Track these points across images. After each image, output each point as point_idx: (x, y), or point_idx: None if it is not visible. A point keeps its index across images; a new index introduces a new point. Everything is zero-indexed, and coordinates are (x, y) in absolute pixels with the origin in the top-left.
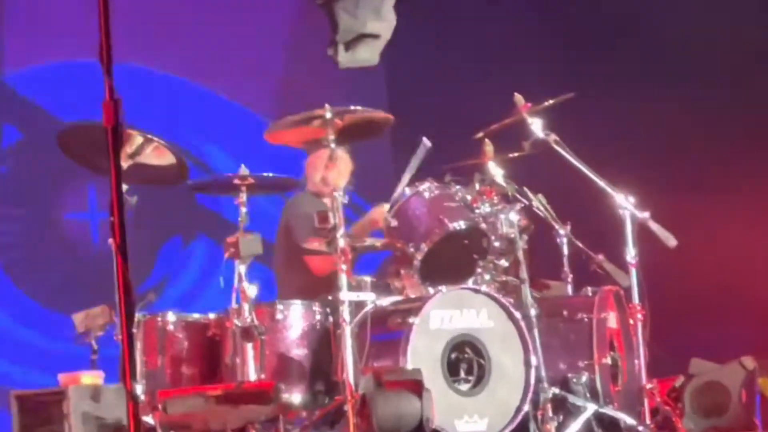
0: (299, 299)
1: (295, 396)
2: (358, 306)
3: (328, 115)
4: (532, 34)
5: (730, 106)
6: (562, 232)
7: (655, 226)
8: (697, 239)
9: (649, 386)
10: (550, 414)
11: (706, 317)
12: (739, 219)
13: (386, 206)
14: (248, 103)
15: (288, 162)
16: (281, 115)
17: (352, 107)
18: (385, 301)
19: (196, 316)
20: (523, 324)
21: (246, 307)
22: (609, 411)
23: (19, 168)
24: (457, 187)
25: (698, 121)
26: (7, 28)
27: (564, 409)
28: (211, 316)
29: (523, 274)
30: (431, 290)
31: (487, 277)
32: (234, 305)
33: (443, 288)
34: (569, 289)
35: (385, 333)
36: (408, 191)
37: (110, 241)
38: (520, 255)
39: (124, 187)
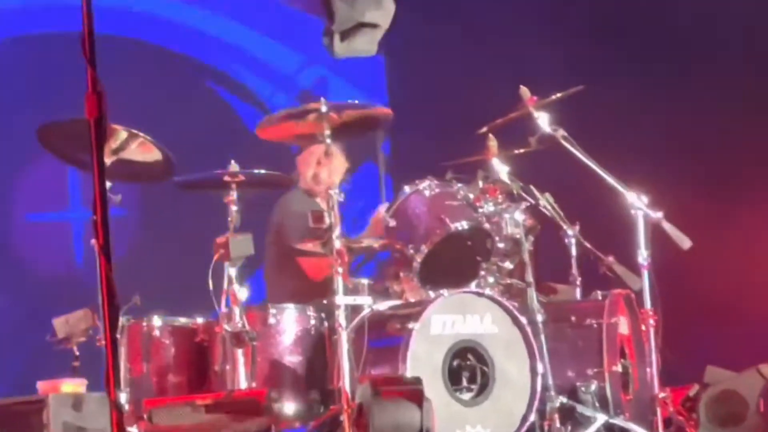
0: (292, 303)
1: (288, 405)
2: (354, 310)
3: (324, 109)
4: (539, 24)
5: (750, 102)
6: (570, 232)
7: (668, 227)
8: (712, 240)
9: (661, 395)
10: (558, 424)
11: (722, 323)
12: (757, 220)
13: (383, 207)
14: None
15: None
16: None
17: (349, 101)
18: (384, 306)
19: (183, 320)
20: (528, 329)
21: (236, 311)
22: (619, 421)
23: None
24: (459, 185)
25: (715, 117)
26: None
27: (572, 419)
28: (200, 320)
29: (529, 276)
30: (432, 294)
31: (490, 280)
32: (224, 309)
33: (444, 292)
34: (578, 292)
35: (384, 339)
36: (407, 189)
37: (93, 241)
38: (526, 257)
39: (108, 184)
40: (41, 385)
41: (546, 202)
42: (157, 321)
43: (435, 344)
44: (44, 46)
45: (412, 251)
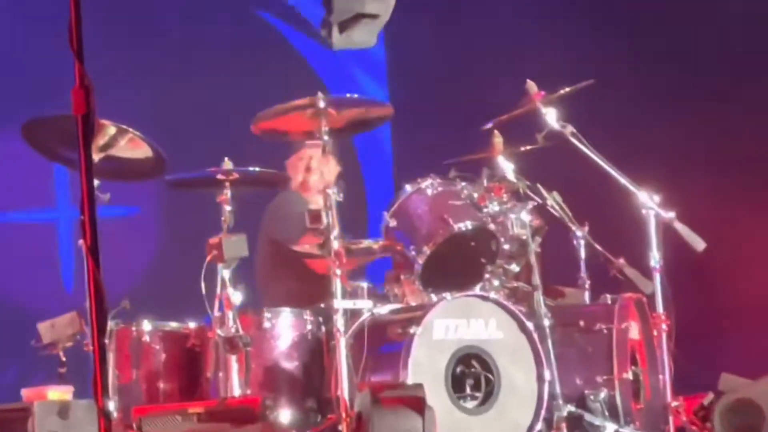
0: (288, 307)
1: (283, 414)
2: (353, 315)
3: (321, 104)
4: (548, 15)
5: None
6: (578, 233)
7: (681, 228)
8: (727, 242)
9: (674, 404)
10: None
11: (738, 328)
12: None
13: None
14: None
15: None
16: None
17: (348, 96)
18: (384, 310)
19: (174, 325)
20: (535, 335)
21: (230, 315)
22: (630, 431)
23: None
24: (463, 183)
25: (732, 113)
26: None
27: (580, 428)
28: (191, 325)
29: (536, 279)
30: (434, 297)
31: (495, 283)
32: (216, 313)
33: (447, 295)
34: (586, 296)
35: (384, 344)
36: (408, 188)
37: (80, 242)
38: (533, 259)
39: (96, 182)
40: (26, 392)
41: (554, 201)
42: (147, 326)
43: (437, 350)
44: (31, 36)
45: (413, 253)
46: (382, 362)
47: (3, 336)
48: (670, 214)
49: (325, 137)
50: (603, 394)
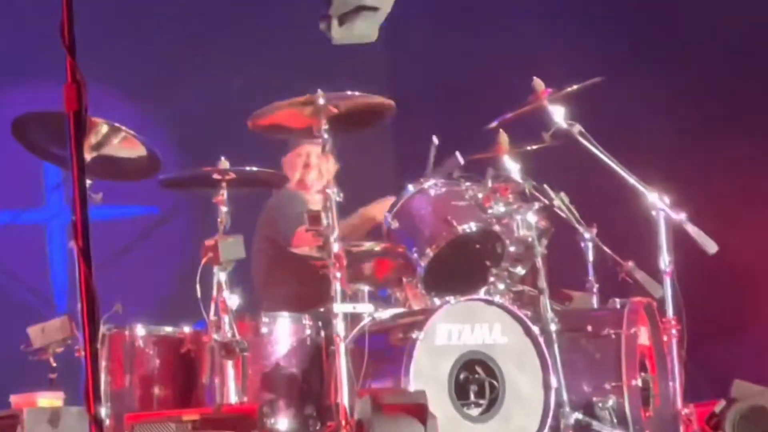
0: (286, 311)
1: (281, 421)
2: (354, 319)
3: (321, 101)
4: (554, 10)
5: None
6: (586, 235)
7: (693, 230)
8: (740, 245)
9: (685, 411)
10: None
11: (751, 333)
12: None
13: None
14: None
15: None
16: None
17: (349, 92)
18: (385, 314)
19: (168, 329)
20: (541, 340)
21: (226, 319)
22: None
23: None
24: (468, 183)
25: (746, 112)
26: None
27: None
28: (186, 329)
29: (542, 283)
30: (437, 301)
31: (500, 286)
32: (212, 317)
33: (451, 299)
34: (594, 300)
35: (385, 350)
36: (411, 188)
37: (71, 243)
38: (539, 261)
39: (88, 182)
40: (15, 399)
41: (561, 202)
42: (140, 330)
43: (440, 356)
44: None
45: (416, 255)
46: (383, 368)
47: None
48: (681, 216)
49: (325, 135)
50: (611, 401)
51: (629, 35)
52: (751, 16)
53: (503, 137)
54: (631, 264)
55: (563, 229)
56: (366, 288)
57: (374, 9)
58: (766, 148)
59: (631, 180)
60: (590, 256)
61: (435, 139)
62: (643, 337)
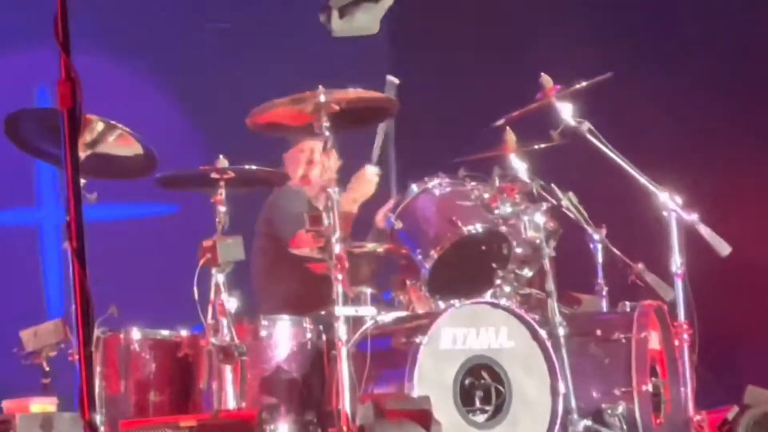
0: (286, 314)
1: (281, 427)
2: (356, 322)
3: (322, 97)
4: (563, 3)
5: None
6: (595, 236)
7: (705, 231)
8: (754, 246)
9: (697, 418)
10: None
11: (765, 337)
12: None
13: (372, 169)
14: None
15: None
16: None
17: (351, 89)
18: (388, 317)
19: (164, 333)
20: (549, 344)
21: (224, 322)
22: None
23: None
24: (473, 183)
25: (761, 110)
26: None
27: None
28: (183, 333)
29: (550, 285)
30: (442, 305)
31: (507, 289)
32: (210, 320)
33: (456, 302)
34: (604, 303)
35: (388, 354)
36: (415, 188)
37: (65, 244)
38: (547, 264)
39: (82, 181)
40: (7, 404)
41: (569, 202)
42: (135, 334)
43: (445, 360)
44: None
45: (419, 257)
46: (386, 373)
47: None
48: (692, 216)
49: (326, 132)
50: (621, 407)
51: (640, 31)
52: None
53: (510, 135)
54: (641, 266)
55: (572, 230)
56: (369, 290)
57: (375, 0)
58: None
59: (642, 179)
60: (599, 258)
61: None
62: (654, 342)
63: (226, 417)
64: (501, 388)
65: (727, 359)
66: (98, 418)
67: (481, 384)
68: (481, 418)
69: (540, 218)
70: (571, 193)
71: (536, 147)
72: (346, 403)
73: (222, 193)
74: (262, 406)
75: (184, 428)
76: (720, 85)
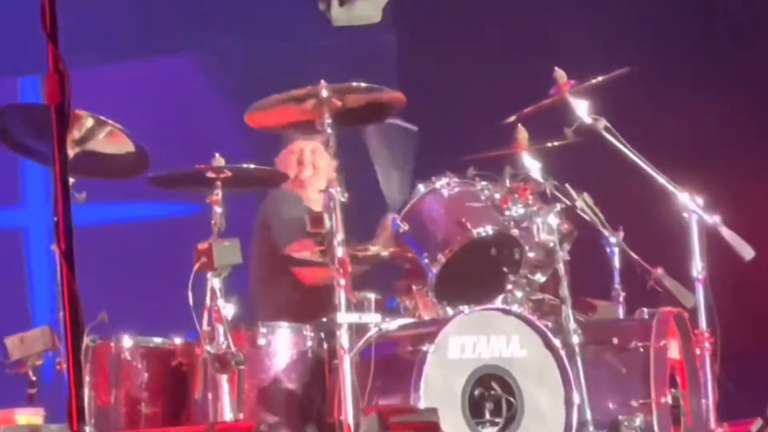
0: (285, 321)
1: None
2: (359, 330)
3: (325, 93)
4: None
5: None
6: (612, 239)
7: (727, 234)
8: None
9: (719, 431)
10: None
11: None
12: None
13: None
14: None
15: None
16: None
17: (354, 84)
18: (393, 325)
19: (157, 340)
20: (563, 353)
21: (220, 329)
22: None
23: None
24: (483, 183)
25: None
26: None
27: None
28: (177, 341)
29: (564, 291)
30: (450, 311)
31: (519, 295)
32: (205, 327)
33: (465, 308)
34: (621, 310)
35: (393, 363)
36: (422, 188)
37: (53, 246)
38: (561, 268)
39: (71, 180)
40: None
41: (584, 203)
42: (127, 341)
43: (453, 370)
44: None
45: (426, 261)
46: (390, 383)
47: None
48: (714, 219)
49: (329, 130)
50: (639, 420)
51: (658, 24)
52: None
53: (522, 133)
54: (660, 271)
55: (587, 233)
56: (373, 296)
57: None
58: None
59: (661, 179)
60: (616, 263)
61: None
62: (674, 351)
63: (222, 429)
64: (512, 399)
65: (750, 369)
66: (87, 431)
67: (492, 395)
68: (491, 430)
69: (553, 220)
70: (586, 194)
71: (549, 145)
72: (348, 415)
73: (218, 194)
74: (260, 418)
75: None
76: (745, 81)
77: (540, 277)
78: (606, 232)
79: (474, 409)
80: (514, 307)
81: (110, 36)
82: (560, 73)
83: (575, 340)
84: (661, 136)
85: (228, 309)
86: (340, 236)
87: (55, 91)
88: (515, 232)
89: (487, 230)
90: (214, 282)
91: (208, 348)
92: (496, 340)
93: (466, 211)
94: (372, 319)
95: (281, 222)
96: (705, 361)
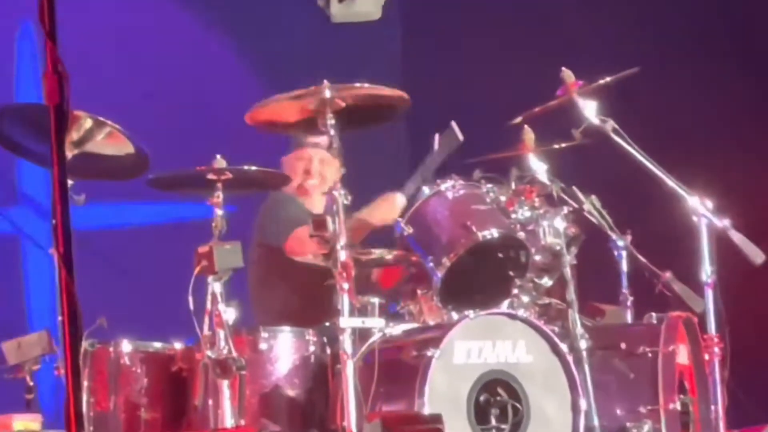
0: (287, 325)
1: None
2: (362, 335)
3: (328, 93)
4: None
5: None
6: (620, 243)
7: (737, 237)
8: None
9: None
10: None
11: None
12: None
13: (401, 198)
14: None
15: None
16: None
17: (358, 84)
18: (397, 329)
19: (157, 345)
20: (570, 359)
21: (221, 334)
22: None
23: None
24: (489, 185)
25: None
26: None
27: None
28: (177, 346)
29: (571, 295)
30: (455, 316)
31: (525, 299)
32: (206, 332)
33: (470, 313)
34: (629, 315)
35: (397, 369)
36: (426, 191)
37: (51, 250)
38: (568, 272)
39: (69, 182)
40: None
41: (592, 206)
42: (126, 346)
43: (458, 376)
44: None
45: (431, 264)
46: (394, 389)
47: None
48: (724, 222)
49: (331, 131)
50: (647, 426)
51: (668, 23)
52: None
53: (528, 134)
54: (669, 275)
55: (594, 236)
56: (376, 300)
57: None
58: None
59: (670, 182)
60: (624, 266)
61: (455, 129)
62: (683, 356)
63: None
64: (518, 405)
65: (760, 375)
66: None
67: (497, 401)
68: None
69: (560, 223)
70: (593, 197)
71: (556, 147)
72: (351, 422)
73: (219, 196)
74: (261, 425)
75: None
76: (757, 82)
77: (547, 281)
78: (614, 236)
79: (480, 414)
80: (521, 312)
81: (110, 36)
82: (568, 74)
83: (582, 345)
84: (671, 139)
85: (229, 313)
86: (343, 240)
87: (53, 91)
88: (521, 235)
89: (492, 233)
90: (215, 286)
91: (208, 353)
92: (502, 345)
93: (471, 214)
94: (376, 323)
95: (276, 221)
96: (714, 366)
